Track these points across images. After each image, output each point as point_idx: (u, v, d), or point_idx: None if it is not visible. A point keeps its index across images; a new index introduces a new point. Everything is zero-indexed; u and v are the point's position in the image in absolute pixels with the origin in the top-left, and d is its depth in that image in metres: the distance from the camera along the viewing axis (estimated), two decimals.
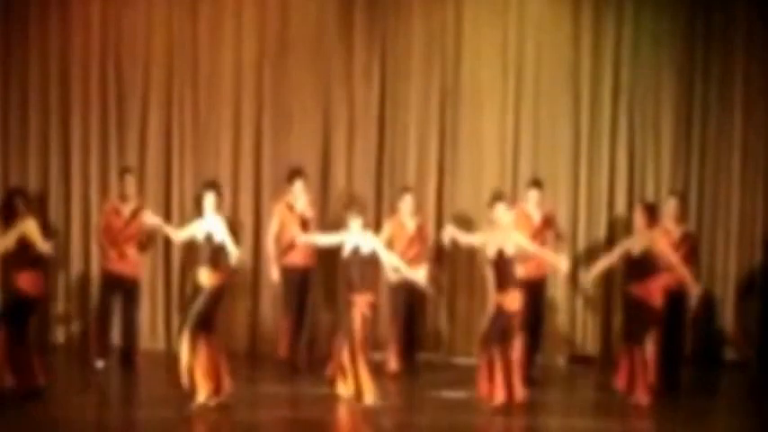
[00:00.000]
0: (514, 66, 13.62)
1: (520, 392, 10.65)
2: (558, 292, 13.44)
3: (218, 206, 10.89)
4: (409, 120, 13.66)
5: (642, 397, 10.90)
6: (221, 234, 10.66)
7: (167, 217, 13.41)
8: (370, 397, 10.70)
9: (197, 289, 10.72)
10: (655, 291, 10.94)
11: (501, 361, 10.57)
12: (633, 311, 11.02)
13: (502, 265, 10.67)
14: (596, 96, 13.62)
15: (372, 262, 10.90)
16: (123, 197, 12.64)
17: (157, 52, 13.73)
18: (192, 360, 10.42)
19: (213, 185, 11.00)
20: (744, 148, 13.58)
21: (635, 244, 11.11)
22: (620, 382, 11.03)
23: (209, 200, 10.79)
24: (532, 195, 12.46)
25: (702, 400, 11.85)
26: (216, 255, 10.65)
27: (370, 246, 10.83)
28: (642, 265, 10.96)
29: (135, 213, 12.60)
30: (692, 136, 13.63)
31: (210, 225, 10.71)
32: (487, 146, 13.64)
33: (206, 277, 10.59)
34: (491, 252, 10.70)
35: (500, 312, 10.63)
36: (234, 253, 10.70)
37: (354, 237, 10.82)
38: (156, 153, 13.73)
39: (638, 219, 11.25)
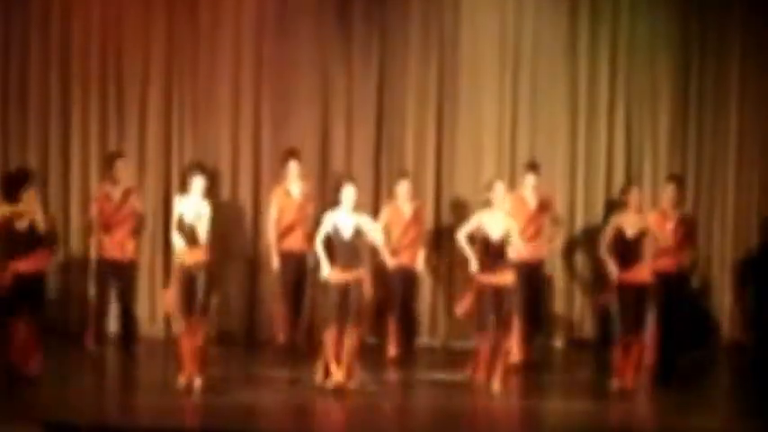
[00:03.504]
0: (512, 50, 13.64)
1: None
2: (556, 274, 13.48)
3: (205, 190, 10.88)
4: (407, 105, 13.67)
5: (639, 380, 10.90)
6: (195, 217, 10.65)
7: (166, 201, 13.45)
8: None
9: (185, 270, 10.65)
10: (644, 271, 10.90)
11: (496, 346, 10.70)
12: (627, 298, 10.98)
13: (493, 247, 10.71)
14: (593, 81, 13.65)
15: (353, 243, 10.78)
16: (114, 181, 12.63)
17: (157, 35, 13.68)
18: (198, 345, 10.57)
19: (201, 168, 11.00)
20: (740, 132, 13.64)
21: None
22: (617, 380, 10.97)
23: (198, 182, 10.78)
24: (529, 179, 12.50)
25: (699, 383, 11.88)
26: (192, 235, 10.64)
27: (354, 226, 10.74)
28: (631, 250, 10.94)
29: (126, 196, 12.61)
30: (688, 120, 13.67)
31: (186, 206, 10.70)
32: (485, 130, 13.65)
33: (188, 256, 10.59)
34: (487, 233, 10.73)
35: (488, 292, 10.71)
36: (202, 238, 10.68)
37: (337, 214, 10.76)
38: (155, 137, 13.71)
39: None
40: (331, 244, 10.76)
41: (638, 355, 10.89)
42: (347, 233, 10.73)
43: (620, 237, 10.88)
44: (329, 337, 10.68)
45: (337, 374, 10.65)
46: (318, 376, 10.76)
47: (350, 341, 10.65)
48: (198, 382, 10.54)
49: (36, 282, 10.89)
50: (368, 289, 10.79)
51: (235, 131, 13.71)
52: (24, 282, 10.80)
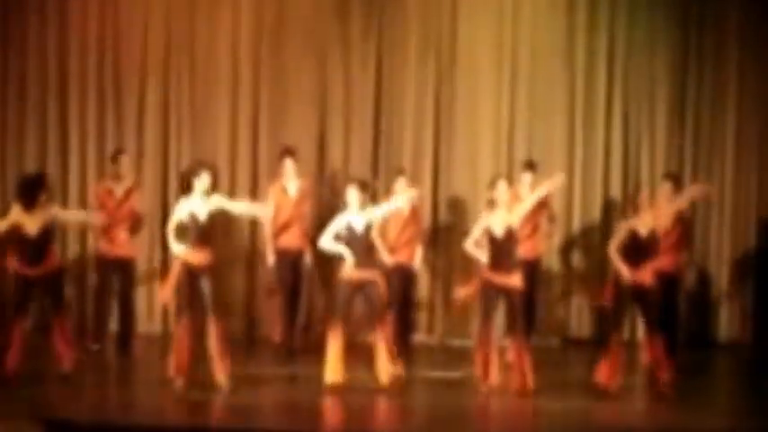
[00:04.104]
0: (509, 49, 13.66)
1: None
2: (552, 273, 13.49)
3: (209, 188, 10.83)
4: (405, 103, 13.69)
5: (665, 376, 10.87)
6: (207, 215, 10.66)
7: (164, 200, 13.46)
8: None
9: (189, 271, 10.63)
10: (645, 272, 10.89)
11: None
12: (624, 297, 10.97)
13: (497, 245, 10.72)
14: (591, 79, 13.67)
15: (367, 241, 10.84)
16: (117, 177, 12.64)
17: (155, 35, 13.72)
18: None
19: (207, 166, 11.00)
20: (737, 131, 13.66)
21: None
22: (601, 374, 10.91)
23: (206, 180, 10.75)
24: (526, 178, 12.49)
25: (697, 381, 11.88)
26: (202, 235, 10.63)
27: (364, 223, 10.76)
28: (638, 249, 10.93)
29: (128, 194, 12.62)
30: (685, 119, 13.68)
31: (195, 205, 10.69)
32: (483, 129, 13.68)
33: (196, 258, 10.60)
34: (492, 232, 10.74)
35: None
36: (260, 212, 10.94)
37: (348, 214, 10.79)
38: (153, 135, 13.75)
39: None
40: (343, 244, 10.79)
41: (651, 355, 10.90)
42: (360, 231, 10.73)
43: (632, 238, 10.83)
44: (336, 335, 10.68)
45: (338, 373, 10.66)
46: (335, 375, 10.70)
47: (381, 339, 10.70)
48: (223, 380, 10.54)
49: (50, 285, 10.94)
50: (384, 289, 10.78)
51: (233, 130, 13.73)
52: (35, 286, 10.87)
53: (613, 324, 10.89)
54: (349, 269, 10.67)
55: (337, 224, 10.78)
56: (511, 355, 10.86)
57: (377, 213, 10.90)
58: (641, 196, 11.01)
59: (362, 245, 10.73)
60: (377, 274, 10.79)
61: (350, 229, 10.72)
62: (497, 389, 10.71)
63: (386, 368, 10.72)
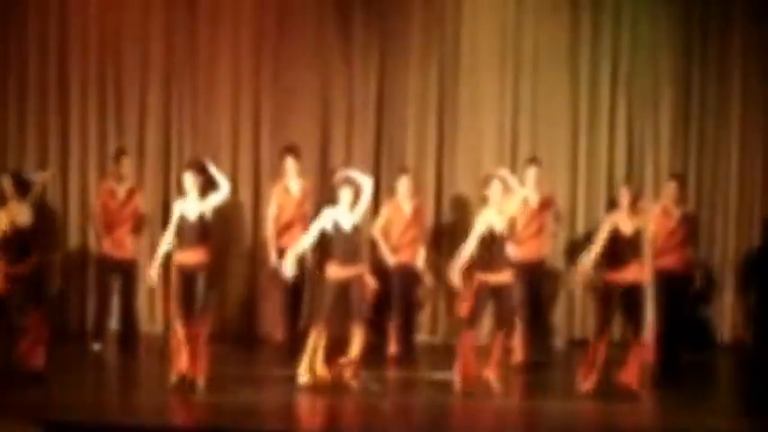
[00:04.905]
0: (513, 50, 13.64)
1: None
2: (556, 273, 13.46)
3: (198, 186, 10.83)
4: (408, 102, 13.67)
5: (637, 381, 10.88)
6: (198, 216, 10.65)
7: (166, 200, 13.44)
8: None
9: (184, 271, 10.66)
10: (635, 271, 10.85)
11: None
12: (614, 298, 10.94)
13: (495, 243, 10.69)
14: (595, 79, 13.65)
15: (354, 237, 10.84)
16: (119, 177, 12.64)
17: (156, 35, 13.71)
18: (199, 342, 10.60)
19: (193, 165, 10.99)
20: (742, 132, 13.65)
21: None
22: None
23: (189, 180, 10.77)
24: (531, 173, 12.41)
25: (700, 382, 11.88)
26: (197, 234, 10.64)
27: (352, 221, 10.78)
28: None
29: (130, 194, 12.63)
30: (690, 119, 13.67)
31: (187, 205, 10.69)
32: (486, 130, 13.66)
33: (191, 257, 10.59)
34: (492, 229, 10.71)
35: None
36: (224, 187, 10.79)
37: (335, 212, 10.77)
38: (154, 136, 13.72)
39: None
40: (330, 240, 10.75)
41: (639, 354, 10.86)
42: (347, 230, 10.72)
43: (614, 236, 10.82)
44: (318, 333, 10.67)
45: (316, 372, 10.66)
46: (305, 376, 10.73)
47: (357, 339, 10.67)
48: (200, 381, 10.53)
49: (32, 282, 10.94)
50: (371, 283, 10.79)
51: (234, 130, 13.72)
52: (21, 283, 10.86)
53: (602, 325, 10.88)
54: (335, 269, 10.66)
55: (324, 220, 10.75)
56: (497, 353, 10.79)
57: (361, 209, 10.88)
58: (620, 194, 11.02)
59: (350, 243, 10.72)
60: (362, 271, 10.78)
61: (338, 228, 10.72)
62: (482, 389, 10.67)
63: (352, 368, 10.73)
